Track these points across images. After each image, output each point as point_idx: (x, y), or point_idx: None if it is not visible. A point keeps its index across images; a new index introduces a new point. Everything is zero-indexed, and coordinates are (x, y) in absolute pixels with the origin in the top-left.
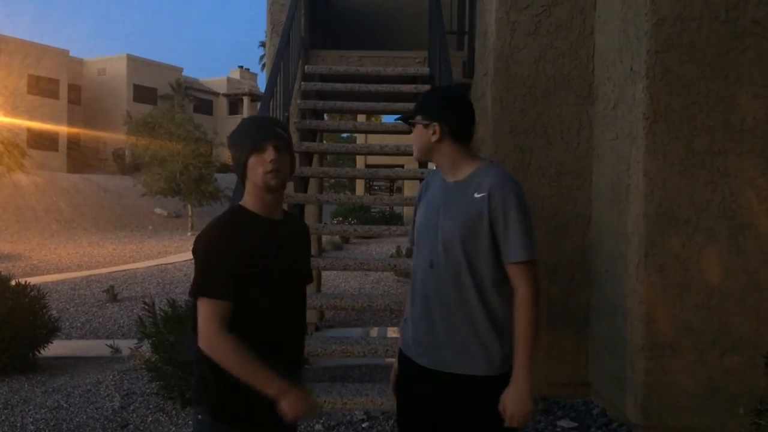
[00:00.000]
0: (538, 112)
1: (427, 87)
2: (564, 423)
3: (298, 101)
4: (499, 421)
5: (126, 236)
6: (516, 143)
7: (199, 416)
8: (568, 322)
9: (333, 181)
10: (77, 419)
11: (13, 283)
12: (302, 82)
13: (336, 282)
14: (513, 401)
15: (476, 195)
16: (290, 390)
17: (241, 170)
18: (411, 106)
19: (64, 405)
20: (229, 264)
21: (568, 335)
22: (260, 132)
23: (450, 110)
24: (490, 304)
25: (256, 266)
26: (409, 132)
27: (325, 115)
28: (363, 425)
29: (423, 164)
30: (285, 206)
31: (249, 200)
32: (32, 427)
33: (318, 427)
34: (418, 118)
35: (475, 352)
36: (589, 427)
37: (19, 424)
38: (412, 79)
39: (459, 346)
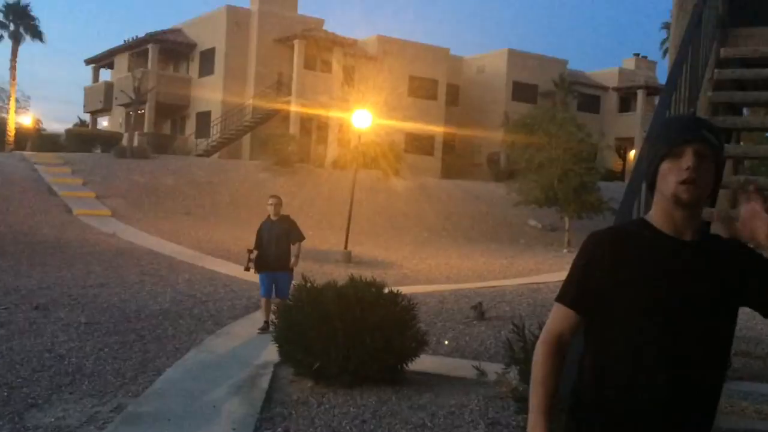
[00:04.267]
0: None
1: None
2: None
3: (709, 94)
4: None
5: (496, 249)
6: None
7: None
8: None
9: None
10: None
11: (386, 291)
12: (715, 70)
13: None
14: None
15: None
16: None
17: (650, 175)
18: None
19: (429, 424)
20: (591, 274)
21: None
22: (681, 132)
23: None
24: None
25: (634, 287)
26: None
27: (745, 110)
28: None
29: None
30: None
31: (654, 212)
32: None
33: None
34: None
35: None
36: None
37: None
38: None
39: None
